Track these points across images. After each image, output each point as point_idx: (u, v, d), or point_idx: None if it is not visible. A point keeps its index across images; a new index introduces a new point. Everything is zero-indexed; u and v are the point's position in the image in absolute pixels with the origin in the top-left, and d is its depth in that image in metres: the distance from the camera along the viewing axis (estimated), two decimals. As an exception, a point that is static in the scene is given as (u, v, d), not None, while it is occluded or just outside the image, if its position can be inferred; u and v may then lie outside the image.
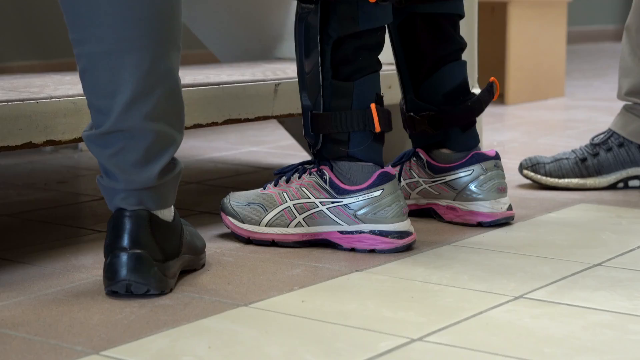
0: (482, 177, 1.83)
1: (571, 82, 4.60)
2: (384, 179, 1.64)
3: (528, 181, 2.21)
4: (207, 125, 1.82)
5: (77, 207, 2.07)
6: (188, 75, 1.92)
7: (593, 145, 2.21)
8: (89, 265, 1.56)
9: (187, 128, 1.78)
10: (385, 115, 1.65)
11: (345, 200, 1.64)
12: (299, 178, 1.70)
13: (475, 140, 1.90)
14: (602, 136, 2.22)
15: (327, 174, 1.66)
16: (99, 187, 1.42)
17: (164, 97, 1.38)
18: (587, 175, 2.18)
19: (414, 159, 1.90)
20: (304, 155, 2.60)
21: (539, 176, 2.19)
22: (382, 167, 1.67)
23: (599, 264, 1.58)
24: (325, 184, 1.66)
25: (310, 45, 1.64)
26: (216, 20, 2.54)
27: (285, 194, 1.69)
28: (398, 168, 1.91)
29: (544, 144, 2.87)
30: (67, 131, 1.59)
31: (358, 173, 1.65)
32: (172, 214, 1.45)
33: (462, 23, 2.10)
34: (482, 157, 1.84)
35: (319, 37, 1.63)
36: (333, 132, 1.65)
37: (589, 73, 5.28)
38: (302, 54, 1.66)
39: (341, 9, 1.63)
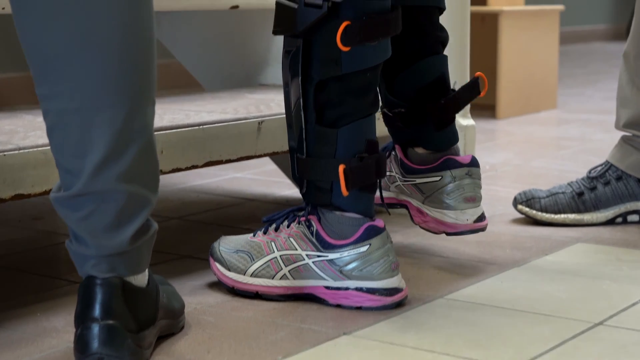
0: (450, 185, 1.74)
1: (563, 91, 4.52)
2: (372, 233, 1.54)
3: (523, 215, 2.13)
4: (187, 169, 1.73)
5: (53, 250, 1.97)
6: (167, 114, 1.82)
7: (590, 178, 2.13)
8: (60, 329, 1.47)
9: (164, 172, 1.69)
10: (364, 170, 1.54)
11: (331, 255, 1.55)
12: (288, 227, 1.61)
13: (450, 140, 1.78)
14: (599, 169, 2.14)
15: (315, 225, 1.57)
16: (69, 252, 1.33)
17: (137, 156, 1.29)
18: (584, 210, 2.10)
19: (393, 153, 1.81)
20: (288, 183, 2.51)
21: (534, 212, 2.10)
22: (372, 218, 1.58)
23: (601, 323, 1.49)
24: (312, 236, 1.57)
25: (294, 86, 1.55)
26: (199, 45, 2.45)
27: (273, 243, 1.60)
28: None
29: (538, 167, 2.78)
30: (37, 184, 1.50)
31: (345, 226, 1.56)
32: (147, 277, 1.36)
33: (453, 34, 2.03)
34: (453, 164, 1.74)
35: (300, 78, 1.54)
36: (314, 179, 1.56)
37: (581, 79, 5.21)
38: (288, 93, 1.57)
39: (322, 48, 1.53)
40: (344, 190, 1.51)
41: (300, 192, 1.59)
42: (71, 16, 1.23)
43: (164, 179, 2.49)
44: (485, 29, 3.81)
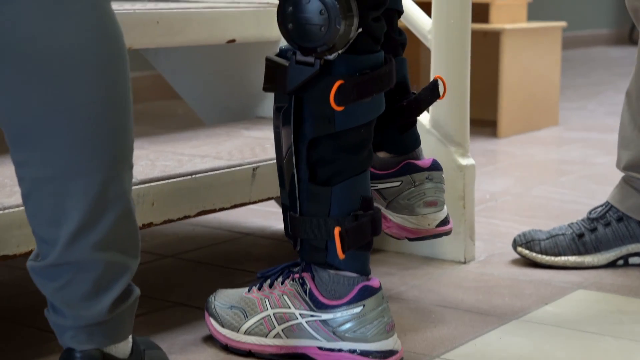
0: (410, 189, 1.71)
1: (565, 105, 4.47)
2: (366, 293, 1.51)
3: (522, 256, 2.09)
4: (179, 219, 1.69)
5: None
6: (159, 160, 1.79)
7: (590, 219, 2.09)
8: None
9: (155, 225, 1.66)
10: (360, 230, 1.50)
11: (324, 316, 1.52)
12: (282, 283, 1.57)
13: (413, 143, 1.76)
14: (599, 209, 2.10)
15: (308, 283, 1.53)
16: (49, 322, 1.29)
17: (115, 224, 1.24)
18: (584, 252, 2.06)
19: None
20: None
21: (534, 254, 2.06)
22: (368, 276, 1.54)
23: (601, 390, 1.46)
24: (306, 294, 1.53)
25: (285, 142, 1.51)
26: (196, 76, 2.41)
27: (267, 300, 1.57)
28: None
29: (538, 196, 2.74)
30: (23, 243, 1.46)
31: (339, 285, 1.53)
32: (130, 345, 1.32)
33: (453, 51, 2.02)
34: (413, 168, 1.72)
35: (292, 135, 1.50)
36: (308, 238, 1.52)
37: (583, 90, 5.16)
38: (280, 149, 1.54)
39: (315, 106, 1.49)
40: (340, 254, 1.47)
41: (294, 248, 1.56)
42: (45, 82, 1.19)
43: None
44: (487, 46, 3.77)
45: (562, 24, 3.96)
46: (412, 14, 2.14)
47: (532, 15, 4.95)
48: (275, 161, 1.81)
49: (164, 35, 2.01)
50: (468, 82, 2.09)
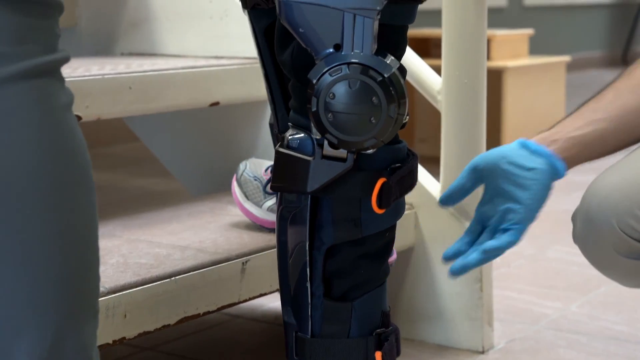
0: None
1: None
2: None
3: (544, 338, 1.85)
4: (157, 330, 1.44)
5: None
6: (132, 255, 1.53)
7: None
8: None
9: (129, 339, 1.40)
10: (391, 353, 1.26)
11: None
12: None
13: None
14: None
15: None
16: None
17: None
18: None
19: None
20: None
21: None
22: None
23: None
24: None
25: (297, 252, 1.25)
26: (175, 138, 2.16)
27: None
28: (269, 176, 1.65)
29: (554, 259, 2.50)
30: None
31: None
32: None
33: (467, 115, 1.81)
34: None
35: (307, 243, 1.24)
36: None
37: (583, 122, 4.92)
38: (286, 261, 1.28)
39: (338, 207, 1.23)
40: None
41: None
42: None
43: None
44: (489, 84, 3.53)
45: (566, 58, 3.74)
46: (420, 72, 1.89)
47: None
48: (269, 251, 1.58)
49: (138, 102, 1.76)
50: (484, 148, 1.85)
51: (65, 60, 0.97)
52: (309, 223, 1.23)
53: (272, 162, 1.71)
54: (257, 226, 1.70)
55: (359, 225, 1.23)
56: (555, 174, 1.36)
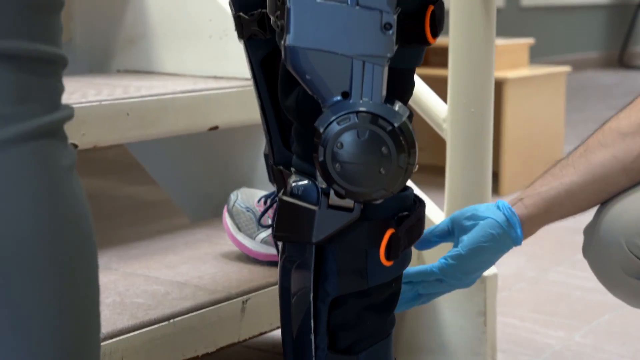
0: None
1: (568, 147, 4.19)
2: None
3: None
4: (154, 374, 1.39)
5: None
6: (129, 293, 1.48)
7: None
8: None
9: (126, 385, 1.36)
10: None
11: None
12: None
13: None
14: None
15: None
16: None
17: None
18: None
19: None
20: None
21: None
22: None
23: None
24: None
25: (300, 302, 1.20)
26: (175, 159, 2.11)
27: None
28: (263, 207, 1.62)
29: (556, 283, 2.46)
30: None
31: None
32: None
33: (474, 145, 1.77)
34: None
35: (312, 294, 1.19)
36: None
37: (580, 128, 4.88)
38: (289, 310, 1.22)
39: (343, 257, 1.18)
40: None
41: None
42: None
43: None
44: (487, 93, 3.48)
45: (567, 68, 3.69)
46: (425, 99, 1.85)
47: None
48: (271, 288, 1.54)
49: (136, 128, 1.71)
50: (489, 182, 1.80)
51: (69, 117, 0.92)
52: (314, 272, 1.19)
53: (264, 192, 1.68)
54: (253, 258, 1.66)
55: (364, 276, 1.19)
56: (510, 230, 1.33)
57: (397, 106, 1.12)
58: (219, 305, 1.47)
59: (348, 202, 1.15)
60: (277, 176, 1.39)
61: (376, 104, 1.10)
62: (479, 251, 1.33)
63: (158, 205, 3.02)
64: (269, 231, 1.64)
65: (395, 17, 1.09)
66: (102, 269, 1.58)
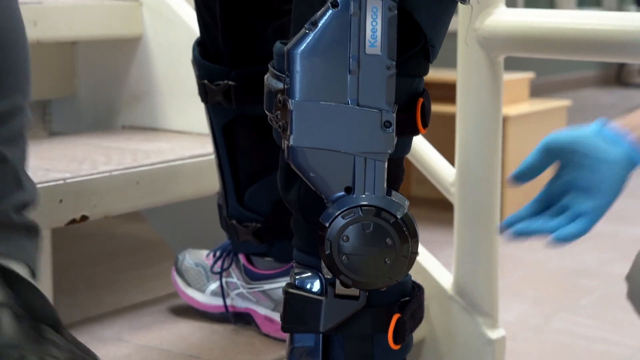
0: None
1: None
2: None
3: None
4: None
5: None
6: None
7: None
8: None
9: None
10: None
11: None
12: None
13: None
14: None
15: None
16: None
17: None
18: None
19: (234, 258, 1.63)
20: None
21: None
22: None
23: None
24: None
25: None
26: (184, 221, 2.13)
27: None
28: (212, 260, 1.66)
29: (560, 331, 2.46)
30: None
31: None
32: None
33: (482, 209, 1.79)
34: None
35: None
36: None
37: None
38: None
39: (351, 344, 1.22)
40: None
41: None
42: None
43: None
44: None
45: (567, 102, 3.71)
46: (432, 162, 1.86)
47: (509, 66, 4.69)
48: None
49: (146, 196, 1.73)
50: (498, 244, 1.81)
51: None
52: None
53: (207, 251, 1.70)
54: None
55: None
56: (633, 165, 1.28)
57: (396, 197, 1.17)
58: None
59: (354, 291, 1.19)
60: (230, 227, 1.58)
61: (378, 197, 1.15)
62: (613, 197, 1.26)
63: (161, 247, 3.02)
64: (218, 282, 1.68)
65: (394, 115, 1.13)
66: (113, 341, 1.60)
